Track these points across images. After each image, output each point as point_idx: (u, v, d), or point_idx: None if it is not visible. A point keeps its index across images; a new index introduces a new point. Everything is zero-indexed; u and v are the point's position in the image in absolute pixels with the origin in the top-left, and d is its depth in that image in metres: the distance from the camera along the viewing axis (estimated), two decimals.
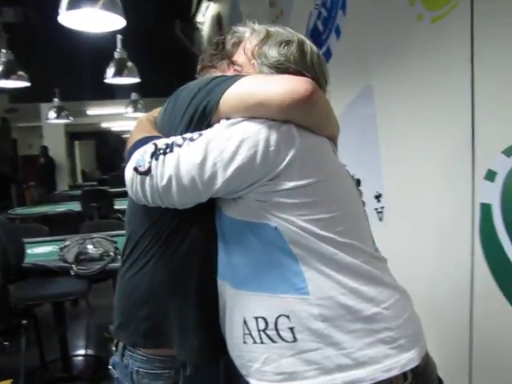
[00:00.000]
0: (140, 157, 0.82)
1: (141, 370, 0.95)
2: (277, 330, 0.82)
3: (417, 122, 1.67)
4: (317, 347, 0.80)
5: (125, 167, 0.85)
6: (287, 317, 0.81)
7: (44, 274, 2.45)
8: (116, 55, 3.77)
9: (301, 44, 0.96)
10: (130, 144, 0.90)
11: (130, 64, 3.87)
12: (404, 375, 0.80)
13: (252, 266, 0.84)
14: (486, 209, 1.34)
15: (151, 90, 6.32)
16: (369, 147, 2.00)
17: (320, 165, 0.87)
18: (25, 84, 3.89)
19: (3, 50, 3.76)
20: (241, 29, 1.02)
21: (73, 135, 12.83)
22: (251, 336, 0.84)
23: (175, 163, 0.79)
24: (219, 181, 0.79)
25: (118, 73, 3.79)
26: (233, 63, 1.01)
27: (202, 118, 0.85)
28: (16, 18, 8.09)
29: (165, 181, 0.79)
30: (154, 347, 0.95)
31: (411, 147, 1.71)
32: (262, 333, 0.83)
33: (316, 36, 2.57)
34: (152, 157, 0.80)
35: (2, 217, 2.79)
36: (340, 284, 0.81)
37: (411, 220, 1.73)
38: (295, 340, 0.81)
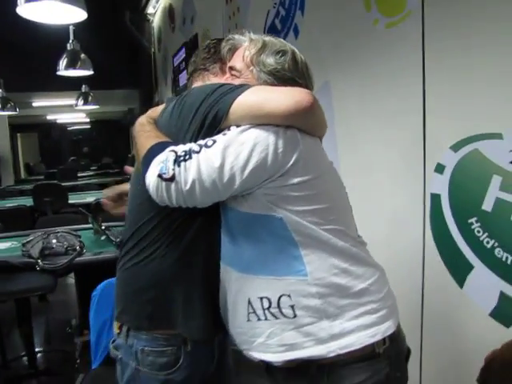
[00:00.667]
0: (163, 164, 0.89)
1: (145, 348, 1.02)
2: (279, 307, 0.94)
3: (372, 118, 1.82)
4: (313, 321, 0.93)
5: (144, 173, 0.93)
6: (288, 296, 0.94)
7: (6, 269, 2.41)
8: (69, 47, 3.69)
9: (294, 54, 1.07)
10: (142, 149, 0.97)
11: (83, 56, 3.80)
12: (383, 340, 0.96)
13: (258, 252, 0.95)
14: (435, 198, 1.50)
15: (102, 82, 6.21)
16: (327, 140, 2.13)
17: (317, 162, 1.00)
18: None
19: None
20: (236, 37, 1.12)
21: (14, 127, 12.22)
22: (255, 314, 0.96)
23: (196, 169, 0.88)
24: (237, 182, 0.90)
25: (71, 65, 3.72)
26: (231, 68, 1.10)
27: (212, 125, 0.94)
28: None
29: (189, 185, 0.88)
30: (157, 329, 1.02)
31: (367, 141, 1.86)
32: (266, 311, 0.95)
33: (274, 34, 2.66)
34: (174, 164, 0.88)
35: None
36: (333, 265, 0.95)
37: (368, 208, 1.88)
38: (295, 316, 0.94)
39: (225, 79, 1.11)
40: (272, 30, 2.69)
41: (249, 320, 0.97)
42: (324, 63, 2.12)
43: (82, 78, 4.31)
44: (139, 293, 1.03)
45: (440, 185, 1.47)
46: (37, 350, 2.86)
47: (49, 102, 9.58)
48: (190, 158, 0.89)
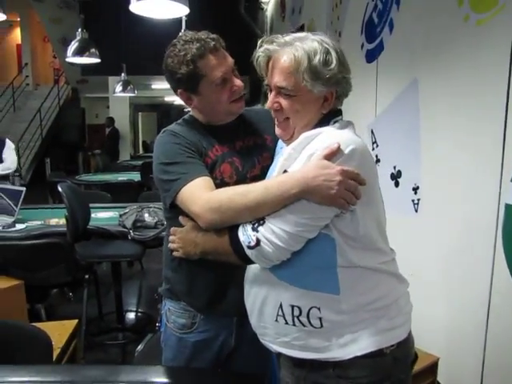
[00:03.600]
0: (244, 236, 0.99)
1: (171, 308, 1.28)
2: (308, 318, 1.00)
3: (455, 117, 1.73)
4: (338, 331, 1.00)
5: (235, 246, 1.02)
6: (318, 309, 1.00)
7: (104, 236, 2.73)
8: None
9: (335, 50, 1.01)
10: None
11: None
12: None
13: (299, 264, 1.00)
14: (510, 209, 1.41)
15: None
16: (411, 139, 2.06)
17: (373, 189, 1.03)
18: (95, 60, 4.19)
19: (79, 30, 4.06)
20: (271, 47, 1.03)
21: (136, 106, 13.32)
22: (284, 318, 1.03)
23: (271, 230, 0.96)
24: (308, 236, 0.98)
25: None
26: (279, 88, 1.03)
27: None
28: None
29: (273, 244, 0.96)
30: (175, 300, 1.28)
31: (448, 143, 1.78)
32: (295, 318, 1.01)
33: (370, 28, 2.61)
34: (253, 231, 0.98)
35: (73, 184, 3.10)
36: (364, 285, 1.01)
37: (443, 213, 1.81)
38: (322, 326, 1.00)
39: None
40: (369, 25, 2.64)
41: (276, 321, 1.04)
42: (414, 59, 2.05)
43: None
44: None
45: None
46: (126, 309, 3.20)
47: (166, 85, 10.25)
48: (264, 222, 0.97)
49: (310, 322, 1.00)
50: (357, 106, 2.92)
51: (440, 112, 1.84)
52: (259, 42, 1.06)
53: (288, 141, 1.10)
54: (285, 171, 1.00)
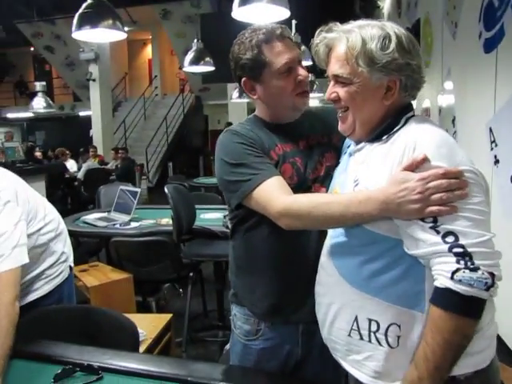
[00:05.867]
0: (472, 282, 0.81)
1: (237, 314, 1.26)
2: (386, 335, 0.91)
3: None
4: (408, 358, 0.89)
5: None
6: (398, 326, 0.90)
7: (209, 236, 2.83)
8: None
9: (396, 35, 0.92)
10: None
11: (303, 48, 4.06)
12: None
13: (385, 276, 0.91)
14: None
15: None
16: None
17: None
18: (210, 68, 4.41)
19: (195, 40, 4.31)
20: (329, 35, 0.98)
21: (253, 111, 13.72)
22: (359, 333, 0.94)
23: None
24: None
25: None
26: (336, 76, 0.97)
27: None
28: (212, 9, 9.03)
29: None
30: (240, 305, 1.25)
31: None
32: (372, 334, 0.92)
33: (490, 13, 2.35)
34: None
35: (179, 186, 3.27)
36: None
37: None
38: (398, 346, 0.90)
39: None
40: (488, 9, 2.38)
41: (349, 336, 0.96)
42: None
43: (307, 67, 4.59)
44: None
45: None
46: (228, 307, 3.27)
47: None
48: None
49: (387, 341, 0.90)
50: (472, 102, 2.65)
51: None
52: (317, 31, 1.00)
53: (351, 136, 1.02)
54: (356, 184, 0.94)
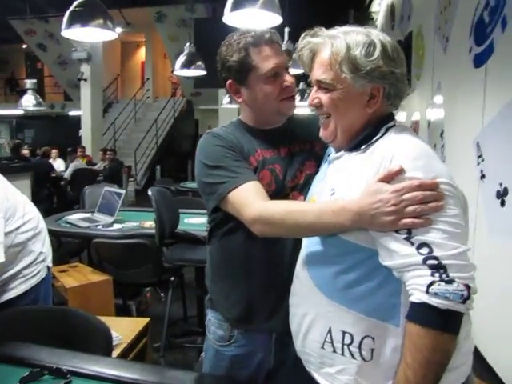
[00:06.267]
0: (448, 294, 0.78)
1: (212, 319, 1.24)
2: (360, 348, 0.88)
3: None
4: (380, 372, 0.88)
5: None
6: (372, 339, 0.87)
7: (191, 241, 2.79)
8: (283, 47, 3.99)
9: (381, 43, 0.91)
10: None
11: (295, 56, 4.06)
12: None
13: (358, 285, 0.88)
14: None
15: None
16: None
17: None
18: (202, 73, 4.38)
19: (187, 44, 4.30)
20: (314, 40, 0.96)
21: None
22: (332, 345, 0.91)
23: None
24: None
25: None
26: (319, 82, 0.95)
27: None
28: (206, 14, 9.05)
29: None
30: (214, 310, 1.23)
31: None
32: (345, 346, 0.90)
33: (480, 29, 2.37)
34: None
35: (164, 189, 3.24)
36: None
37: None
38: (371, 359, 0.88)
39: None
40: (479, 25, 2.40)
41: (323, 348, 0.93)
42: None
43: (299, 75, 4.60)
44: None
45: None
46: None
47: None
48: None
49: (360, 354, 0.88)
50: (461, 116, 2.67)
51: None
52: (303, 35, 0.98)
53: (332, 143, 1.00)
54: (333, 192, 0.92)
